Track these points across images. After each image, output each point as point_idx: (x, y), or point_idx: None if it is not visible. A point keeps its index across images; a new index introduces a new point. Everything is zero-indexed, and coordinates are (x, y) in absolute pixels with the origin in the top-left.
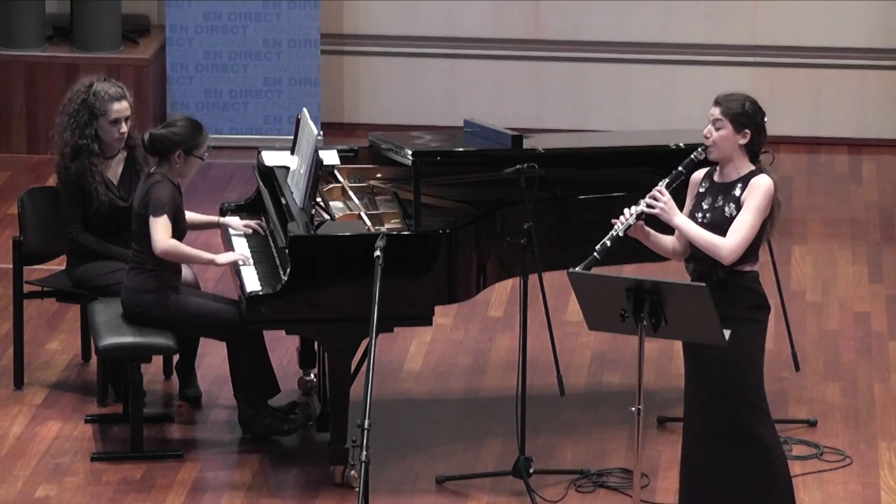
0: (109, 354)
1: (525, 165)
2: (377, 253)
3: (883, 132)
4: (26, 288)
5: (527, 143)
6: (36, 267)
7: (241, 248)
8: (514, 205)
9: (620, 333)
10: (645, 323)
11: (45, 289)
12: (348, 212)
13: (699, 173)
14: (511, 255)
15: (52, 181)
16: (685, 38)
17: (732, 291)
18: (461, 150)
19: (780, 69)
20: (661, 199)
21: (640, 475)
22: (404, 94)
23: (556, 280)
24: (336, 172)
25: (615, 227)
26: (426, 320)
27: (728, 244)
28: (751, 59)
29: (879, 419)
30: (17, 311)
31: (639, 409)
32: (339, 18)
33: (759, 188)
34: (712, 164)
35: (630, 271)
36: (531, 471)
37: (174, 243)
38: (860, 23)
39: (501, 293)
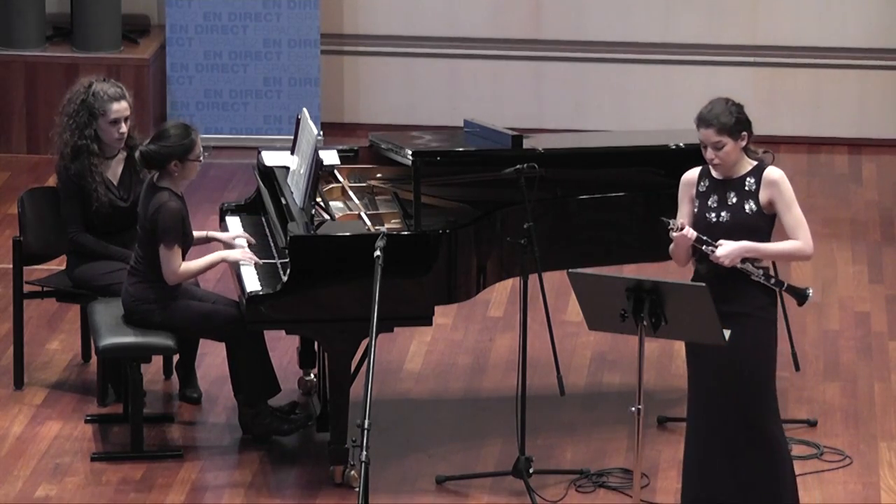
0: (109, 354)
1: (525, 165)
2: (377, 253)
3: (883, 132)
4: (26, 288)
5: (527, 143)
6: (36, 267)
7: (245, 249)
8: (514, 205)
9: (620, 333)
10: (645, 323)
11: (45, 289)
12: (348, 212)
13: (692, 173)
14: (511, 255)
15: (52, 181)
16: (685, 38)
17: (747, 287)
18: (461, 150)
19: (780, 69)
20: (717, 256)
21: (640, 475)
22: (404, 94)
23: (556, 280)
24: (336, 172)
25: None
26: (426, 320)
27: (805, 242)
28: (751, 59)
29: (879, 419)
30: (17, 311)
31: (639, 409)
32: (339, 18)
33: (782, 182)
34: (702, 162)
35: (630, 271)
36: (531, 471)
37: (185, 269)
38: (860, 23)
39: (501, 293)
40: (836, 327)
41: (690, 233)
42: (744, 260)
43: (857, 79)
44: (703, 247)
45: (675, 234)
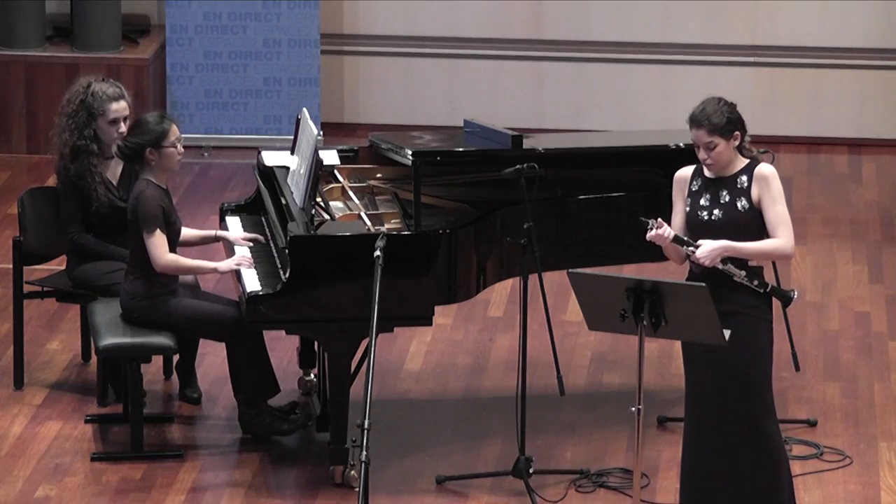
0: (109, 354)
1: (525, 165)
2: (377, 253)
3: (883, 132)
4: (26, 288)
5: (527, 143)
6: (36, 267)
7: (242, 251)
8: (514, 205)
9: (620, 333)
10: (645, 323)
11: (45, 289)
12: (348, 212)
13: (686, 171)
14: (511, 255)
15: (52, 181)
16: (685, 38)
17: (738, 286)
18: (461, 150)
19: (780, 69)
20: (697, 257)
21: (640, 475)
22: (404, 94)
23: (556, 280)
24: (336, 172)
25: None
26: (426, 320)
27: (786, 241)
28: (751, 59)
29: (879, 419)
30: (17, 311)
31: (639, 409)
32: (339, 18)
33: (772, 177)
34: (696, 161)
35: (630, 271)
36: (531, 471)
37: (173, 258)
38: (860, 23)
39: (501, 293)
40: (836, 327)
41: (667, 232)
42: (725, 261)
43: (857, 79)
44: (683, 247)
45: (650, 233)
